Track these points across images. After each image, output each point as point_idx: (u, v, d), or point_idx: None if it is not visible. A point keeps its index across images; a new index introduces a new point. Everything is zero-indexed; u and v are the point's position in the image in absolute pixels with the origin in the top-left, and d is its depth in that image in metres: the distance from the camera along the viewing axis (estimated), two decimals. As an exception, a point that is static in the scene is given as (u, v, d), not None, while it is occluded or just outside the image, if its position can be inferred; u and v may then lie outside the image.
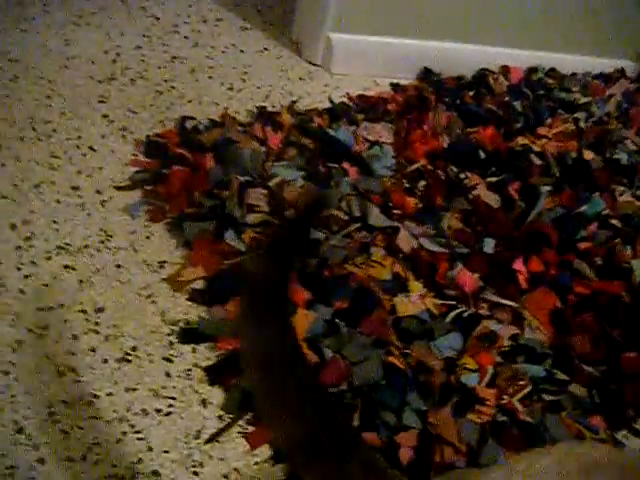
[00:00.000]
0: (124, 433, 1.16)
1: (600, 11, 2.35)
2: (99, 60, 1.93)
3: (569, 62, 2.44)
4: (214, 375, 1.27)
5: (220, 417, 1.21)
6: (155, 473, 1.11)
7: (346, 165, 1.72)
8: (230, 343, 1.30)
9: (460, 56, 2.27)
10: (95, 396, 1.19)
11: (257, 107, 1.90)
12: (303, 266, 1.43)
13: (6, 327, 1.26)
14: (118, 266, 1.42)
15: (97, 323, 1.30)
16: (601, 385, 1.39)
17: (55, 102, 1.75)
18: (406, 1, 2.08)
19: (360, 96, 2.06)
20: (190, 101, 1.87)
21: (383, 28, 2.11)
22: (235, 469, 1.14)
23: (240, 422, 1.21)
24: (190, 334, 1.32)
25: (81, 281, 1.37)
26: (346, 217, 1.57)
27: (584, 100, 2.28)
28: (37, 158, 1.59)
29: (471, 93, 2.17)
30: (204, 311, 1.36)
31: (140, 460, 1.13)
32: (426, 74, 2.24)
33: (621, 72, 2.54)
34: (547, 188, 1.80)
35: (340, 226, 1.55)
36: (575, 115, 2.18)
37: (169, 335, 1.31)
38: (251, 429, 1.20)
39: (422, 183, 1.74)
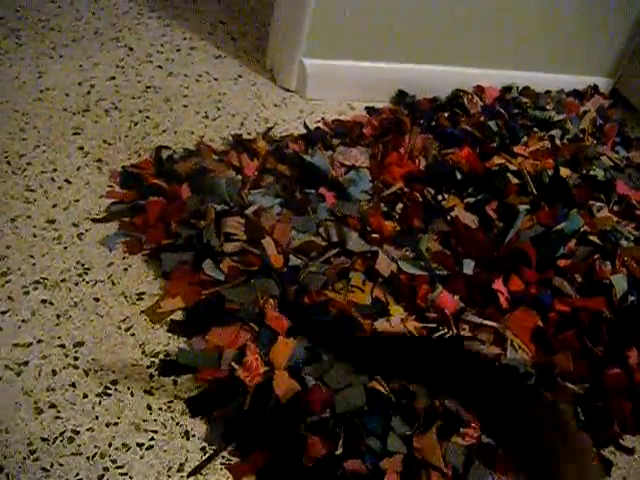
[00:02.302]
0: (106, 469, 1.14)
1: (571, 29, 2.37)
2: (73, 92, 1.93)
3: (543, 80, 2.46)
4: (195, 407, 1.26)
5: (203, 449, 1.20)
6: (138, 509, 1.10)
7: (323, 190, 1.72)
8: (210, 374, 1.29)
9: (434, 78, 2.28)
10: (76, 432, 1.18)
11: (232, 135, 1.90)
12: (283, 294, 1.43)
13: (-17, 365, 1.25)
14: (96, 299, 1.40)
15: (76, 358, 1.29)
16: (586, 402, 1.39)
17: (29, 135, 1.74)
18: (378, 25, 2.08)
19: (335, 121, 2.06)
20: (165, 131, 1.87)
21: (356, 52, 2.12)
22: (220, 502, 1.14)
23: (223, 453, 1.20)
24: (170, 366, 1.30)
25: (59, 315, 1.36)
26: (324, 243, 1.57)
27: (559, 117, 2.29)
28: (12, 192, 1.58)
29: (446, 114, 2.18)
30: (184, 342, 1.36)
31: (123, 496, 1.11)
32: (401, 97, 2.25)
33: (594, 89, 2.56)
34: (525, 207, 1.80)
35: (318, 252, 1.54)
36: (550, 133, 2.19)
37: (149, 368, 1.30)
38: (235, 460, 1.19)
39: (400, 206, 1.74)
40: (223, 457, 1.20)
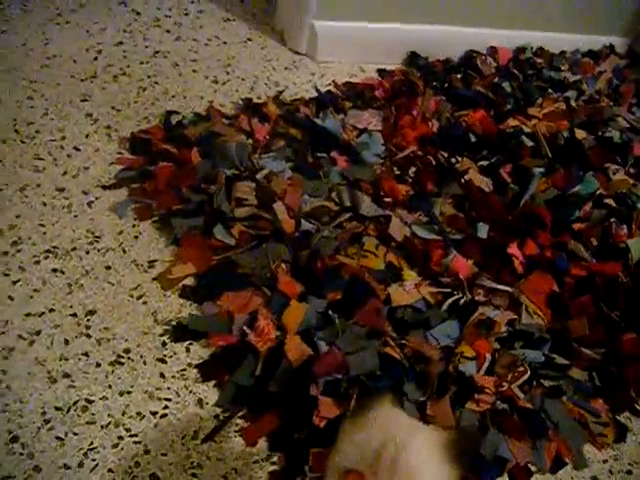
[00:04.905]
0: (120, 437, 1.14)
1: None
2: (80, 58, 1.91)
3: (557, 40, 2.42)
4: (207, 371, 1.25)
5: (217, 417, 1.20)
6: (153, 476, 1.10)
7: (335, 154, 1.70)
8: (221, 339, 1.28)
9: (446, 39, 2.25)
10: (89, 401, 1.18)
11: (242, 99, 1.88)
12: (295, 259, 1.42)
13: (-4, 334, 1.25)
14: (107, 267, 1.40)
15: (88, 326, 1.29)
16: (601, 368, 1.38)
17: (37, 103, 1.73)
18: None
19: (346, 83, 2.04)
20: (174, 96, 1.85)
21: (367, 13, 2.09)
22: (234, 469, 1.13)
23: (237, 421, 1.20)
24: (182, 332, 1.30)
25: (70, 284, 1.35)
26: (337, 207, 1.56)
27: (574, 78, 2.26)
28: (21, 161, 1.57)
29: (459, 76, 2.15)
30: (196, 308, 1.35)
31: (137, 464, 1.12)
32: (413, 58, 2.22)
33: (610, 48, 2.52)
34: (539, 169, 1.78)
35: (331, 217, 1.53)
36: (565, 94, 2.16)
37: (162, 335, 1.30)
38: (246, 425, 1.19)
39: (413, 169, 1.72)
40: (237, 424, 1.19)
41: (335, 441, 0.82)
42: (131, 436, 1.15)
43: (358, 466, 0.76)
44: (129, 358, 1.25)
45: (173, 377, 1.24)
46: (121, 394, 1.20)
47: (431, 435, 0.80)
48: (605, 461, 1.29)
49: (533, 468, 1.23)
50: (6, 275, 1.34)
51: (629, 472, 1.28)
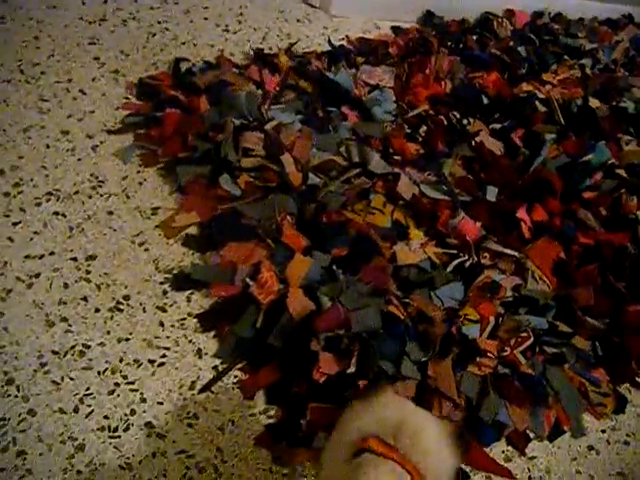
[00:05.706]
0: (117, 384, 1.14)
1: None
2: (89, 0, 1.87)
3: (576, 7, 2.38)
4: (207, 321, 1.24)
5: (215, 368, 1.19)
6: (149, 425, 1.10)
7: (345, 109, 1.68)
8: (223, 289, 1.27)
9: (463, -1, 2.21)
10: (87, 346, 1.17)
11: (254, 49, 1.85)
12: (301, 212, 1.40)
13: (-6, 275, 1.23)
14: (110, 213, 1.38)
15: (88, 271, 1.27)
16: (604, 338, 1.37)
17: (44, 43, 1.70)
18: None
19: (360, 39, 2.01)
20: (184, 43, 1.82)
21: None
22: (230, 420, 1.13)
23: (235, 372, 1.19)
24: (183, 281, 1.29)
25: (71, 228, 1.34)
26: (345, 162, 1.54)
27: (590, 46, 2.23)
28: (25, 101, 1.55)
29: (474, 37, 2.12)
30: (198, 258, 1.34)
31: (133, 412, 1.11)
32: (428, 17, 2.19)
33: (629, 18, 2.49)
34: (551, 136, 1.75)
35: (339, 171, 1.51)
36: (581, 61, 2.13)
37: (163, 284, 1.29)
38: (245, 377, 1.18)
39: (424, 129, 1.69)
40: (235, 377, 1.18)
41: (340, 419, 0.83)
42: (128, 383, 1.14)
43: (377, 433, 0.77)
44: (129, 305, 1.24)
45: (172, 326, 1.23)
46: (119, 341, 1.19)
47: (438, 425, 0.81)
48: (603, 431, 1.28)
49: (531, 434, 1.22)
50: (6, 216, 1.32)
51: (626, 443, 1.28)
